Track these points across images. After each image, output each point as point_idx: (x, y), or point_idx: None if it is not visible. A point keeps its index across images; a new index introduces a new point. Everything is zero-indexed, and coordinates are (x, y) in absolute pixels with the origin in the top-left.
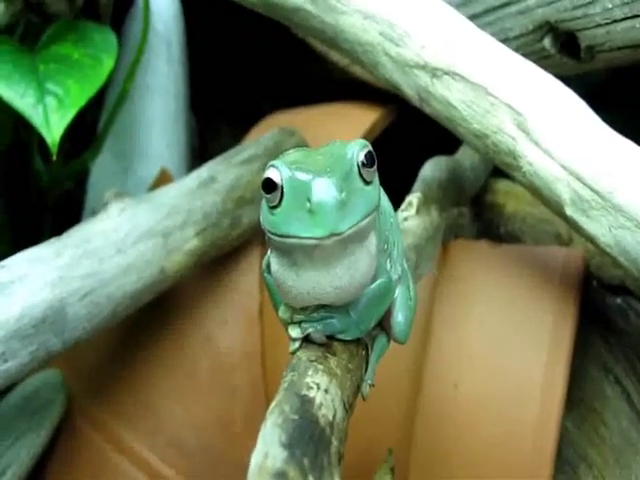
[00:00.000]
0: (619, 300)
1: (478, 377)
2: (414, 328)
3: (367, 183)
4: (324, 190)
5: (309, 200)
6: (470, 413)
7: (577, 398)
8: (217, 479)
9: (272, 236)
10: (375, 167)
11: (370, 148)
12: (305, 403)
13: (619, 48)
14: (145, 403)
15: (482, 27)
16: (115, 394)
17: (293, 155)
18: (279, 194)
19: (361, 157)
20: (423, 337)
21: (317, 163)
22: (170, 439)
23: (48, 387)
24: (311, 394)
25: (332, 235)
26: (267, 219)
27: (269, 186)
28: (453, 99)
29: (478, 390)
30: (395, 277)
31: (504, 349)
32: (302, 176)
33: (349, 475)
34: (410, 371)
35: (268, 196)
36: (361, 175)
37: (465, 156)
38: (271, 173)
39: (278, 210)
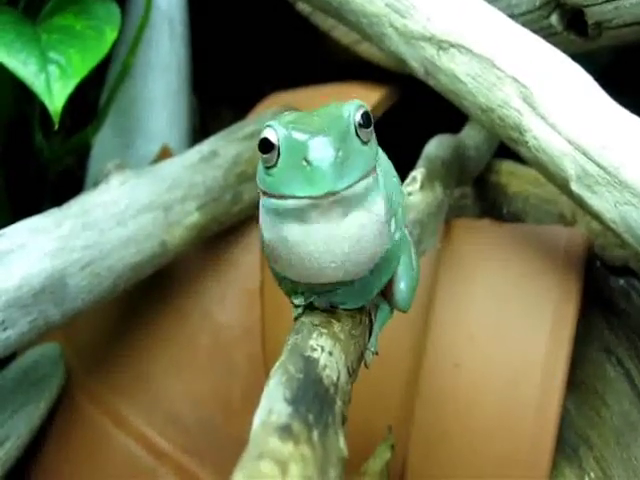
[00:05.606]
0: (622, 281)
1: (479, 357)
2: (415, 305)
3: (364, 143)
4: (321, 149)
5: (306, 159)
6: (471, 393)
7: (578, 379)
8: (215, 454)
9: (268, 197)
10: (372, 127)
11: (366, 108)
12: (309, 363)
13: (627, 25)
14: (144, 377)
15: (489, 4)
16: (114, 368)
17: (290, 116)
18: (276, 154)
19: (357, 117)
20: (425, 315)
21: (314, 123)
22: (168, 414)
23: (47, 360)
24: (315, 355)
25: (329, 194)
26: (263, 180)
27: (266, 146)
28: (459, 72)
29: (479, 370)
30: (397, 238)
31: (506, 329)
32: (299, 135)
33: (349, 451)
34: (411, 350)
35: (265, 156)
36: (358, 135)
37: (469, 135)
38: (268, 133)
39: (274, 170)
